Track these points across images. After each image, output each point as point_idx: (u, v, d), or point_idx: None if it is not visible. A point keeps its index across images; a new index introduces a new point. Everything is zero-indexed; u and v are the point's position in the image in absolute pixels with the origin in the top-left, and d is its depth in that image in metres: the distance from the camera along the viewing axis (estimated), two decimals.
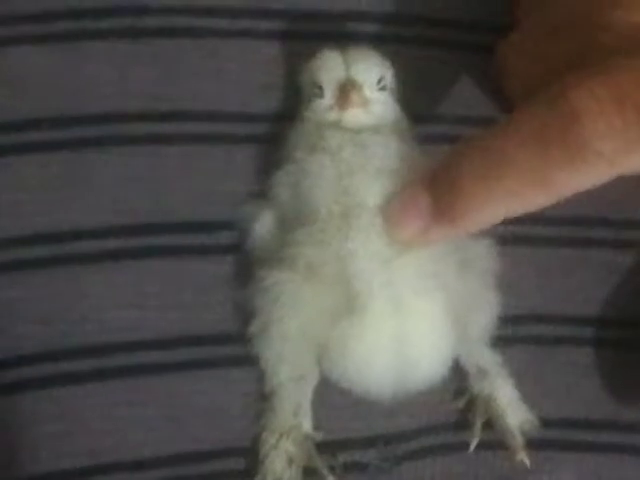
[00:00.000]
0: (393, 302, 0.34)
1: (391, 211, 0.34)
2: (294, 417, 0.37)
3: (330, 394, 0.37)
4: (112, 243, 0.37)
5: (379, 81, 0.36)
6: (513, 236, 0.39)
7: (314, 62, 0.37)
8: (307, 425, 0.37)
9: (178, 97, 0.39)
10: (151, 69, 0.39)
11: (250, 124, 0.39)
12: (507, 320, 0.38)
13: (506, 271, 0.37)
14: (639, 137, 0.29)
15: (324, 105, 0.36)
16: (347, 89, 0.35)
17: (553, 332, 0.40)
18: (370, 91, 0.36)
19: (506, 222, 0.38)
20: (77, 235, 0.37)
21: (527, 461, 0.38)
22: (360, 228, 0.34)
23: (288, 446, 0.37)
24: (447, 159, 0.33)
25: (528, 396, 0.39)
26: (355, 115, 0.36)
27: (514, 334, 0.39)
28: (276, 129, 0.38)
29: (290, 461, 0.37)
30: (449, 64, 0.41)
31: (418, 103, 0.39)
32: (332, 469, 0.37)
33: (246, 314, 0.37)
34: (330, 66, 0.36)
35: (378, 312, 0.34)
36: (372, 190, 0.35)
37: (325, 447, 0.38)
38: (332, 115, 0.36)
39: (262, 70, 0.39)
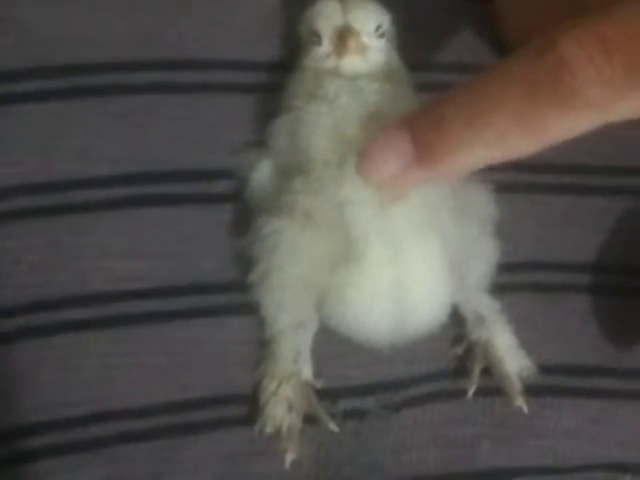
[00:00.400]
0: (390, 249, 0.35)
1: (370, 150, 0.33)
2: (294, 364, 0.37)
3: (329, 342, 0.38)
4: (111, 192, 0.37)
5: (377, 28, 0.36)
6: (511, 183, 0.39)
7: (312, 10, 0.37)
8: (307, 372, 0.37)
9: (177, 45, 0.38)
10: (151, 17, 0.38)
11: (250, 73, 0.39)
12: (505, 267, 0.38)
13: (504, 218, 0.38)
14: (627, 84, 0.29)
15: (322, 53, 0.36)
16: (344, 36, 0.35)
17: (551, 279, 0.40)
18: (368, 38, 0.36)
19: (503, 169, 0.38)
20: (76, 184, 0.37)
21: (525, 407, 0.38)
22: (355, 175, 0.34)
23: (288, 393, 0.37)
24: (433, 102, 0.32)
25: (526, 343, 0.39)
26: (352, 61, 0.36)
27: (512, 281, 0.39)
28: (276, 78, 0.38)
29: (290, 407, 0.37)
30: (444, 11, 0.40)
31: (414, 51, 0.39)
32: (332, 416, 0.37)
33: (245, 262, 0.37)
34: (328, 14, 0.36)
35: (375, 259, 0.35)
36: (368, 137, 0.34)
37: (325, 394, 0.38)
38: (330, 62, 0.36)
39: (262, 19, 0.39)
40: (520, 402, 0.38)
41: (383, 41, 0.37)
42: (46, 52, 0.38)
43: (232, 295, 0.38)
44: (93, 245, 0.37)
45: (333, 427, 0.37)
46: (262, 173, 0.37)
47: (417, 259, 0.35)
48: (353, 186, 0.34)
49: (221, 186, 0.38)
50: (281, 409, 0.37)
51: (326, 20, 0.36)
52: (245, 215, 0.37)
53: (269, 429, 0.37)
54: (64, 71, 0.38)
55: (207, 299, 0.38)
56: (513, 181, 0.40)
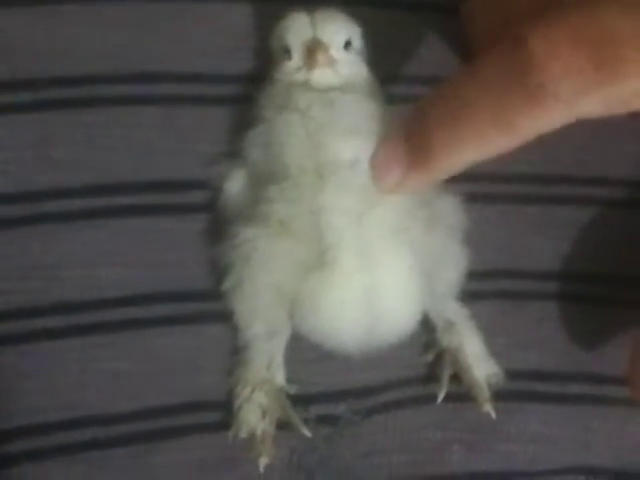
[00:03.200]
0: (362, 256, 0.35)
1: (376, 162, 0.35)
2: (267, 370, 0.38)
3: (302, 348, 0.38)
4: (86, 202, 0.38)
5: (346, 43, 0.37)
6: (480, 194, 0.40)
7: (281, 25, 0.37)
8: (280, 378, 0.38)
9: (151, 59, 0.39)
10: (124, 31, 0.39)
11: (223, 85, 0.40)
12: (475, 275, 0.39)
13: (474, 227, 0.38)
14: (595, 78, 0.29)
15: (292, 67, 0.37)
16: (313, 49, 0.36)
17: (519, 287, 0.41)
18: (337, 51, 0.37)
19: (473, 180, 0.39)
20: (53, 194, 0.38)
21: (493, 413, 0.39)
22: (332, 183, 0.35)
23: (261, 398, 0.37)
24: (416, 108, 0.33)
25: (495, 349, 0.40)
26: (322, 75, 0.36)
27: (482, 289, 0.40)
28: (248, 90, 0.39)
29: (263, 413, 0.37)
30: (415, 25, 0.41)
31: (386, 64, 0.39)
32: (305, 421, 0.38)
33: (219, 270, 0.37)
34: (297, 28, 0.36)
35: (347, 266, 0.35)
36: (342, 146, 0.35)
37: (297, 400, 0.39)
38: (300, 76, 0.36)
39: (234, 32, 0.40)
40: (488, 408, 0.39)
41: (352, 54, 0.37)
42: (24, 64, 0.38)
43: (208, 303, 0.38)
44: (70, 254, 0.38)
45: (306, 432, 0.38)
46: (235, 183, 0.38)
47: (388, 267, 0.36)
48: (330, 193, 0.35)
49: (196, 196, 0.39)
50: (255, 415, 0.37)
51: (295, 34, 0.36)
52: (220, 225, 0.38)
53: (243, 434, 0.37)
54: (41, 83, 0.38)
55: (183, 307, 0.39)
56: (482, 191, 0.40)
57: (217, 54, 0.39)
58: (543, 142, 0.39)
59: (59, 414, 0.37)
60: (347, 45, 0.37)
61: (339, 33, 0.36)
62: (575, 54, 0.29)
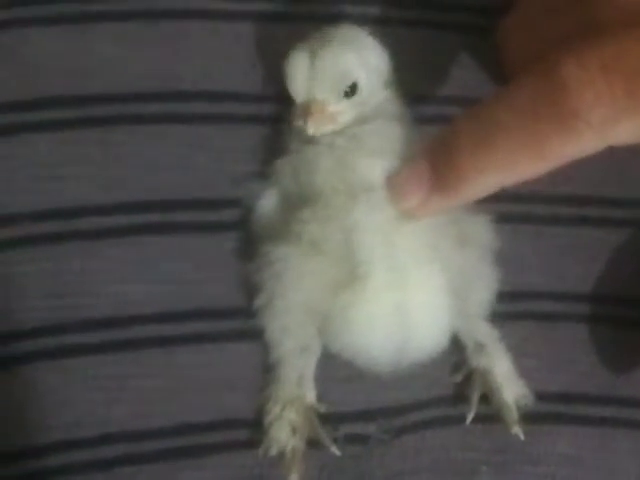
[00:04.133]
0: (394, 273, 0.35)
1: (395, 182, 0.35)
2: (298, 387, 0.38)
3: (333, 367, 0.38)
4: (118, 220, 0.38)
5: (347, 91, 0.36)
6: (512, 214, 0.40)
7: (284, 68, 0.36)
8: (310, 396, 0.38)
9: (183, 77, 0.39)
10: (157, 50, 0.39)
11: (255, 104, 0.40)
12: (506, 296, 0.39)
13: (505, 248, 0.38)
14: (627, 107, 0.30)
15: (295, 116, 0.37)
16: (308, 110, 0.36)
17: (551, 308, 0.41)
18: (336, 104, 0.36)
19: (505, 200, 0.39)
20: (84, 212, 0.38)
21: (521, 435, 0.38)
22: (362, 202, 0.35)
23: (292, 416, 0.37)
24: (445, 131, 0.34)
25: (525, 370, 0.40)
26: (319, 130, 0.36)
27: (512, 310, 0.40)
28: (281, 109, 0.39)
29: (294, 430, 0.37)
30: (447, 45, 0.41)
31: (417, 84, 0.40)
32: (334, 440, 0.38)
33: (250, 288, 0.38)
34: (295, 79, 0.36)
35: (378, 283, 0.35)
36: (369, 165, 0.36)
37: (327, 419, 0.38)
38: (301, 125, 0.36)
39: (268, 51, 0.40)
40: (517, 430, 0.38)
41: (359, 96, 0.36)
42: (53, 83, 0.39)
43: (238, 321, 0.38)
44: (99, 271, 0.38)
45: (335, 451, 0.38)
46: (267, 202, 0.38)
47: (419, 284, 0.36)
48: (362, 212, 0.35)
49: (227, 214, 0.39)
50: (285, 432, 0.37)
51: (294, 84, 0.36)
52: (250, 243, 0.38)
53: (273, 452, 0.37)
54: (70, 102, 0.39)
55: (213, 325, 0.39)
56: (514, 212, 0.40)
57: (250, 73, 0.40)
58: (577, 162, 0.39)
59: (90, 430, 0.38)
60: (352, 89, 0.36)
61: (338, 84, 0.36)
62: (608, 82, 0.30)
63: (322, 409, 0.38)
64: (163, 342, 0.38)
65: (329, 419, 0.39)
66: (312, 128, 0.35)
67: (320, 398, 0.39)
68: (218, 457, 0.38)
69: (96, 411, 0.38)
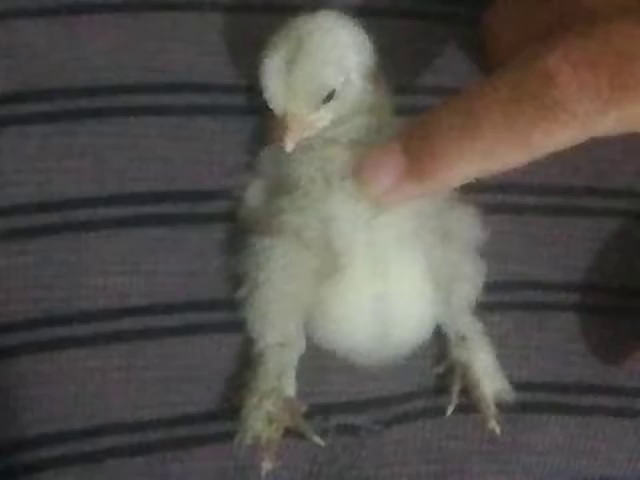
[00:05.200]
0: (374, 263, 0.36)
1: (364, 166, 0.34)
2: (277, 380, 0.37)
3: (323, 359, 0.38)
4: (107, 212, 0.38)
5: (324, 99, 0.35)
6: (498, 204, 0.40)
7: (260, 74, 0.35)
8: (290, 390, 0.38)
9: (171, 69, 0.39)
10: (146, 41, 0.39)
11: (244, 95, 0.40)
12: (494, 286, 0.39)
13: (493, 238, 0.38)
14: (612, 99, 0.30)
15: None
16: (285, 125, 0.35)
17: (539, 298, 0.41)
18: (314, 111, 0.35)
19: (492, 191, 0.39)
20: (75, 204, 0.38)
21: (498, 429, 0.38)
22: (339, 191, 0.35)
23: (269, 407, 0.37)
24: (422, 117, 0.33)
25: (515, 360, 0.40)
26: (295, 139, 0.35)
27: (500, 300, 0.40)
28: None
29: (270, 421, 0.37)
30: (433, 36, 0.41)
31: (402, 74, 0.40)
32: (325, 431, 0.38)
33: (236, 280, 0.38)
34: (271, 88, 0.35)
35: (359, 272, 0.36)
36: (347, 155, 0.36)
37: (318, 410, 0.39)
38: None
39: (256, 42, 0.40)
40: (493, 425, 0.38)
41: (337, 101, 0.36)
42: (46, 75, 0.39)
43: (228, 312, 0.38)
44: (91, 263, 0.38)
45: (319, 441, 0.37)
46: (254, 193, 0.38)
47: (400, 274, 0.36)
48: (338, 201, 0.36)
49: (216, 206, 0.39)
50: (261, 422, 0.37)
51: (270, 95, 0.35)
52: (238, 234, 0.38)
53: (248, 441, 0.37)
54: (63, 93, 0.39)
55: (201, 316, 0.39)
56: (500, 202, 0.40)
57: (238, 64, 0.40)
58: (564, 153, 0.39)
59: (80, 422, 0.38)
60: (329, 97, 0.35)
61: (316, 96, 0.35)
62: (594, 75, 0.30)
63: (303, 408, 0.38)
64: (152, 334, 0.38)
65: (320, 410, 0.39)
66: (289, 145, 0.35)
67: (310, 389, 0.39)
68: (207, 448, 0.38)
69: (85, 404, 0.38)
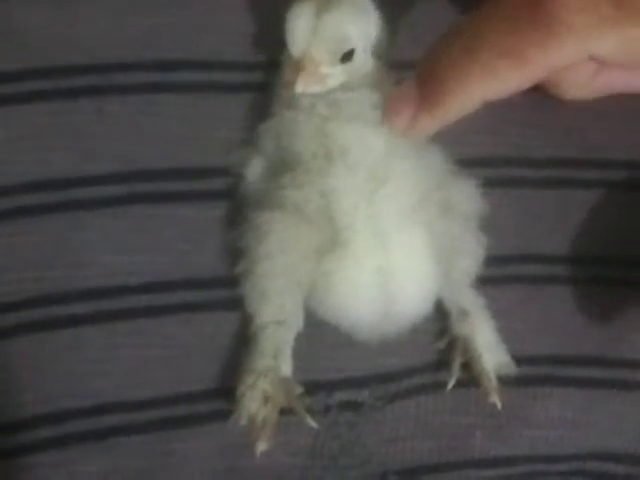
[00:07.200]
0: (376, 236, 0.36)
1: (388, 102, 0.35)
2: (273, 359, 0.37)
3: (324, 335, 0.38)
4: (107, 190, 0.38)
5: (344, 56, 0.35)
6: (497, 178, 0.40)
7: (286, 20, 0.35)
8: (286, 369, 0.37)
9: (170, 46, 0.39)
10: (144, 18, 0.39)
11: (243, 72, 0.40)
12: (492, 260, 0.39)
13: (491, 212, 0.38)
14: (611, 16, 0.30)
15: (284, 76, 0.37)
16: (302, 67, 0.35)
17: (538, 271, 0.41)
18: (330, 66, 0.35)
19: (490, 165, 0.39)
20: (73, 182, 0.38)
21: (499, 403, 0.38)
22: (339, 165, 0.35)
23: (265, 386, 0.37)
24: (429, 49, 0.34)
25: (515, 333, 0.40)
26: (306, 89, 0.35)
27: (499, 274, 0.40)
28: (269, 77, 0.39)
29: (266, 400, 0.37)
30: (432, 9, 0.41)
31: (406, 49, 0.39)
32: (328, 408, 0.38)
33: (236, 257, 0.38)
34: (297, 30, 0.35)
35: (361, 246, 0.36)
36: (347, 130, 0.36)
37: (320, 386, 0.39)
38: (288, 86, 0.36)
39: (254, 19, 0.40)
40: (494, 398, 0.38)
41: (351, 63, 0.36)
42: (44, 54, 0.38)
43: (228, 290, 0.38)
44: (91, 241, 0.38)
45: (311, 422, 0.37)
46: (255, 170, 0.38)
47: (402, 247, 0.36)
48: (339, 175, 0.35)
49: (216, 183, 0.39)
50: (256, 402, 0.36)
51: (293, 36, 0.35)
52: (239, 211, 0.38)
53: (244, 421, 0.36)
54: (62, 72, 0.38)
55: (202, 294, 0.39)
56: (499, 176, 0.40)
57: (237, 41, 0.40)
58: (562, 126, 0.39)
59: (82, 401, 0.37)
60: (347, 56, 0.36)
61: (338, 47, 0.35)
62: None
63: (299, 389, 0.37)
64: (153, 312, 0.38)
65: (322, 386, 0.39)
66: (301, 86, 0.35)
67: (313, 366, 0.38)
68: (210, 426, 0.38)
69: (87, 382, 0.37)
